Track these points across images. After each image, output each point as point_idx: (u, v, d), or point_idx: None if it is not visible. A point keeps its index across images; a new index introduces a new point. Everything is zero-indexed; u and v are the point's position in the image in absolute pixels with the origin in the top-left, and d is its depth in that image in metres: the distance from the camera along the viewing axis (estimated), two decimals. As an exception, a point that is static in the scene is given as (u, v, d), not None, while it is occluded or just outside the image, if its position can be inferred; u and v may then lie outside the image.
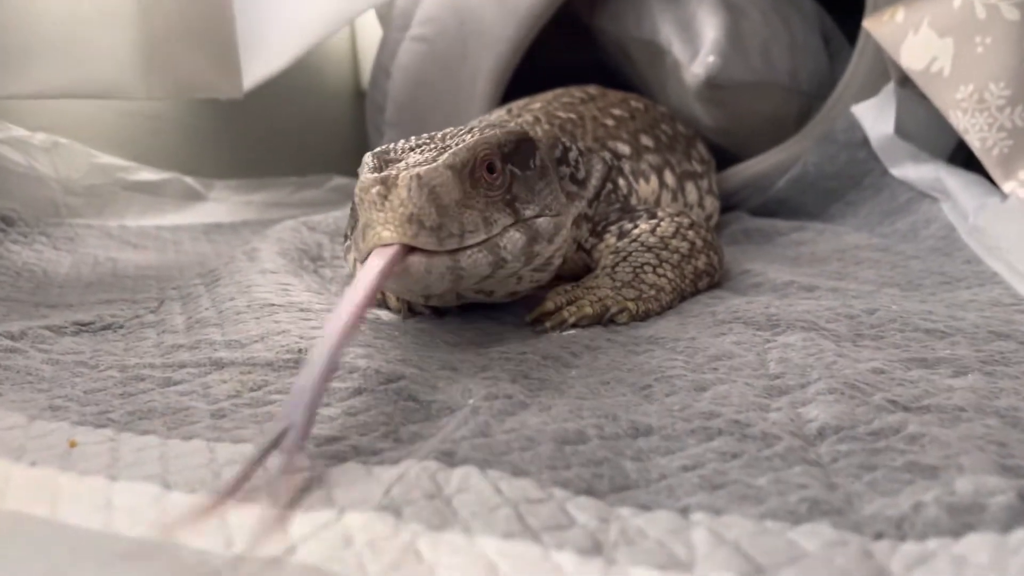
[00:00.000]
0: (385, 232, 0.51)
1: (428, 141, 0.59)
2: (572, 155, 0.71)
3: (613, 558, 0.31)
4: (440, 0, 1.23)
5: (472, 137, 0.57)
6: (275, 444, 0.36)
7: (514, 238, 0.56)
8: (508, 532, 0.32)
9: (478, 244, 0.54)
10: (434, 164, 0.52)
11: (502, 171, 0.57)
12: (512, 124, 0.67)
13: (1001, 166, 0.79)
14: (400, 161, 0.56)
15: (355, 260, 0.55)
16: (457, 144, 0.56)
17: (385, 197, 0.51)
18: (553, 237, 0.60)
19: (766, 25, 1.11)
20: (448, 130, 0.61)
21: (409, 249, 0.51)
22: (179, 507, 0.35)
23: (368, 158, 0.57)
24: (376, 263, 0.48)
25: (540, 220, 0.58)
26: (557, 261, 0.64)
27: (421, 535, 0.32)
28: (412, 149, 0.58)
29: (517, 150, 0.60)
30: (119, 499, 0.36)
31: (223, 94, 1.04)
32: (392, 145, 0.60)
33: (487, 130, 0.59)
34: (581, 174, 0.72)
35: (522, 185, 0.58)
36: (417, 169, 0.52)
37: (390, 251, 0.50)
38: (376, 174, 0.52)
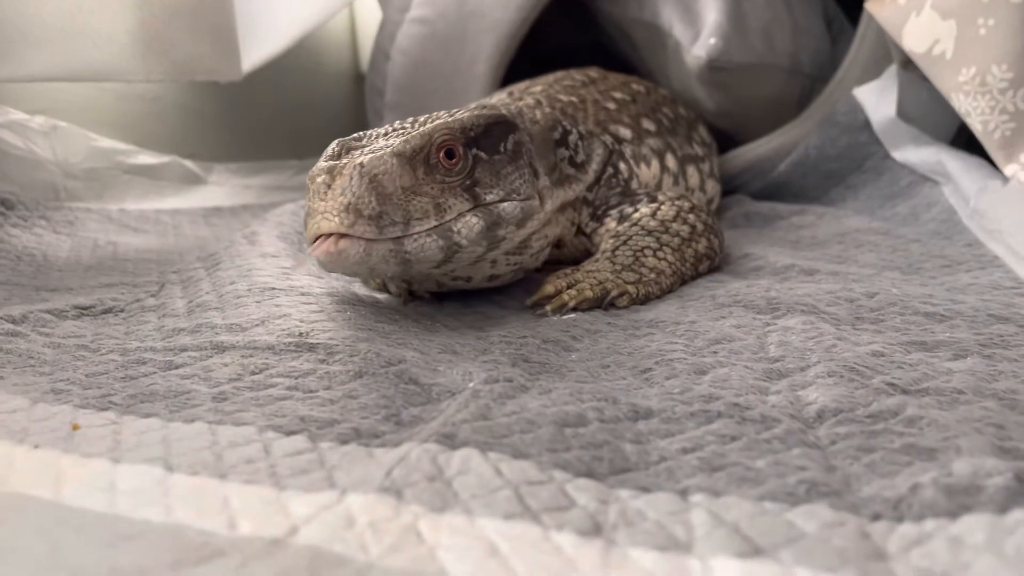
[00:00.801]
0: (324, 222, 0.51)
1: (410, 126, 0.59)
2: (572, 138, 0.71)
3: (613, 539, 0.31)
4: (440, -18, 1.22)
5: (433, 123, 0.57)
6: None
7: (470, 223, 0.56)
8: (508, 513, 0.33)
9: (427, 230, 0.54)
10: (380, 152, 0.52)
11: (463, 156, 0.56)
12: (512, 106, 0.67)
13: (1003, 149, 0.78)
14: (364, 148, 0.55)
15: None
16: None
17: (329, 186, 0.51)
18: (522, 221, 0.59)
19: (768, 7, 1.11)
20: (435, 114, 0.61)
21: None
22: (182, 489, 0.35)
23: (332, 145, 0.57)
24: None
25: (504, 205, 0.58)
26: (537, 244, 0.64)
27: (422, 516, 0.32)
28: (383, 135, 0.58)
29: (487, 133, 0.59)
30: (122, 481, 0.36)
31: (222, 77, 1.04)
32: (369, 132, 0.60)
33: (458, 114, 0.58)
34: (580, 157, 0.71)
35: (487, 169, 0.58)
36: (362, 158, 0.52)
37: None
38: (327, 162, 0.53)
